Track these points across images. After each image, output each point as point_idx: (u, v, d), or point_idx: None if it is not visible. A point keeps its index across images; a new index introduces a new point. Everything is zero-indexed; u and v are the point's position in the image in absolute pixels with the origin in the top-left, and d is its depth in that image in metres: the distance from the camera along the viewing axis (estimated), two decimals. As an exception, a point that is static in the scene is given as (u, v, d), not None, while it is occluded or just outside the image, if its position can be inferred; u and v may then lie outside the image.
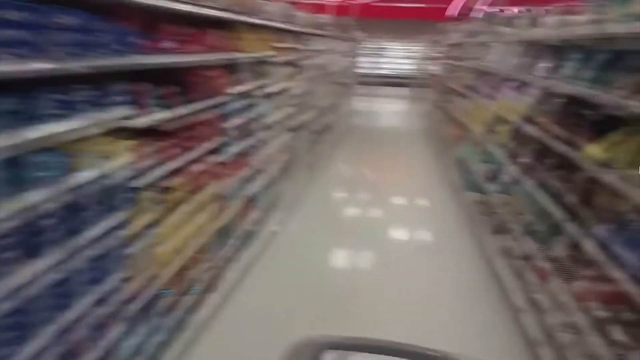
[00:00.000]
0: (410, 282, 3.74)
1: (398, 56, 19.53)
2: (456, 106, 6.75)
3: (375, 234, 4.77)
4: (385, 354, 1.23)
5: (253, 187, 4.26)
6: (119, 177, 1.95)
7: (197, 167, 2.85)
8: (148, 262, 2.24)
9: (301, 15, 6.25)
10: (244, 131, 3.83)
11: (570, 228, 2.47)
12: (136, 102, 2.09)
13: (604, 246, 2.07)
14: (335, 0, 13.84)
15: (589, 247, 2.20)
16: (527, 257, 3.13)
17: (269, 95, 4.47)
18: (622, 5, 2.47)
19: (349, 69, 14.54)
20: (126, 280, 2.06)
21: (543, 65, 3.53)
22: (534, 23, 4.26)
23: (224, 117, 3.22)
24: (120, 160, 1.95)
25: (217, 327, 2.97)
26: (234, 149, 3.58)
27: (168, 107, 2.32)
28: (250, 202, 4.26)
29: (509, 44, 4.53)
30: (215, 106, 2.97)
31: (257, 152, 4.27)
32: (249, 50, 3.54)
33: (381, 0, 16.11)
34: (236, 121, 3.48)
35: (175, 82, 2.52)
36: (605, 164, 2.30)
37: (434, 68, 10.49)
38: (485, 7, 9.26)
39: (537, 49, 3.76)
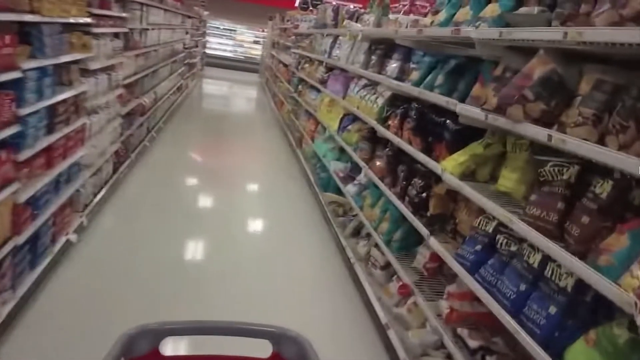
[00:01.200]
0: (263, 289, 3.36)
1: (248, 40, 18.96)
2: (308, 99, 6.55)
3: (228, 231, 4.33)
4: (225, 335, 1.23)
5: (73, 188, 3.43)
6: None
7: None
8: None
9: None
10: (56, 118, 2.99)
11: (432, 243, 2.35)
12: None
13: (471, 268, 1.96)
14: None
15: (454, 265, 2.08)
16: (388, 267, 2.98)
17: (90, 73, 3.63)
18: (477, 7, 2.35)
19: (196, 50, 13.52)
20: None
21: (394, 65, 3.33)
22: (381, 21, 4.11)
23: (19, 100, 2.39)
24: None
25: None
26: (41, 142, 2.77)
27: None
28: (70, 205, 3.44)
29: (358, 39, 4.34)
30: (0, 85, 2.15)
31: (77, 143, 3.43)
32: (51, 14, 2.69)
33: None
34: (40, 105, 2.66)
35: None
36: (465, 177, 2.21)
37: (284, 57, 10.24)
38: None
39: (388, 47, 3.61)
